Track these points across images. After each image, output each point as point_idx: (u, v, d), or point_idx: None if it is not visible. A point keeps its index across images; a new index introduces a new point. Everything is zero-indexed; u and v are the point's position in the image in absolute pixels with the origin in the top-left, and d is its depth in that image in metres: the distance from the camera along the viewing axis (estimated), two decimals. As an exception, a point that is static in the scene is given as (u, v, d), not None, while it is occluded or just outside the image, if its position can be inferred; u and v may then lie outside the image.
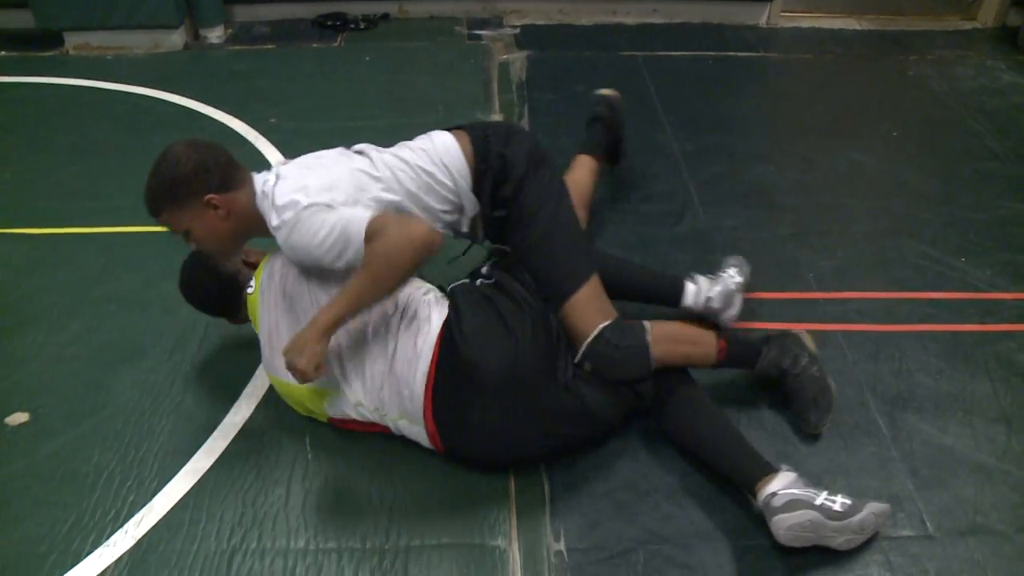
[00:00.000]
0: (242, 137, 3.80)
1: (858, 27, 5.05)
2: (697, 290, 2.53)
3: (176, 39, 4.77)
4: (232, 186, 2.16)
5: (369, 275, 1.97)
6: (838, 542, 1.96)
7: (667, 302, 2.56)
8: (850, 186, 3.44)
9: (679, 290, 2.54)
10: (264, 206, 2.12)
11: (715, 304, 2.52)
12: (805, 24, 5.06)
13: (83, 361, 2.66)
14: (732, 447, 2.11)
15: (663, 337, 2.19)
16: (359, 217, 2.00)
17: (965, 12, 5.13)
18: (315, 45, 4.78)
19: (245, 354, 2.60)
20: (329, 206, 2.02)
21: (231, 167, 2.20)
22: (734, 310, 2.55)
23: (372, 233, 1.97)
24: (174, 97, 4.22)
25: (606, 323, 2.13)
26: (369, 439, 2.32)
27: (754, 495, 2.02)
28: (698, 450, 2.18)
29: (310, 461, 2.28)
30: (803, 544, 1.93)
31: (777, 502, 1.94)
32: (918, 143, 3.79)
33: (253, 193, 2.16)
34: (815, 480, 2.11)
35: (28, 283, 3.00)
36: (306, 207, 2.02)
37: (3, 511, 2.18)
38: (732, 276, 2.60)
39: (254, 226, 2.18)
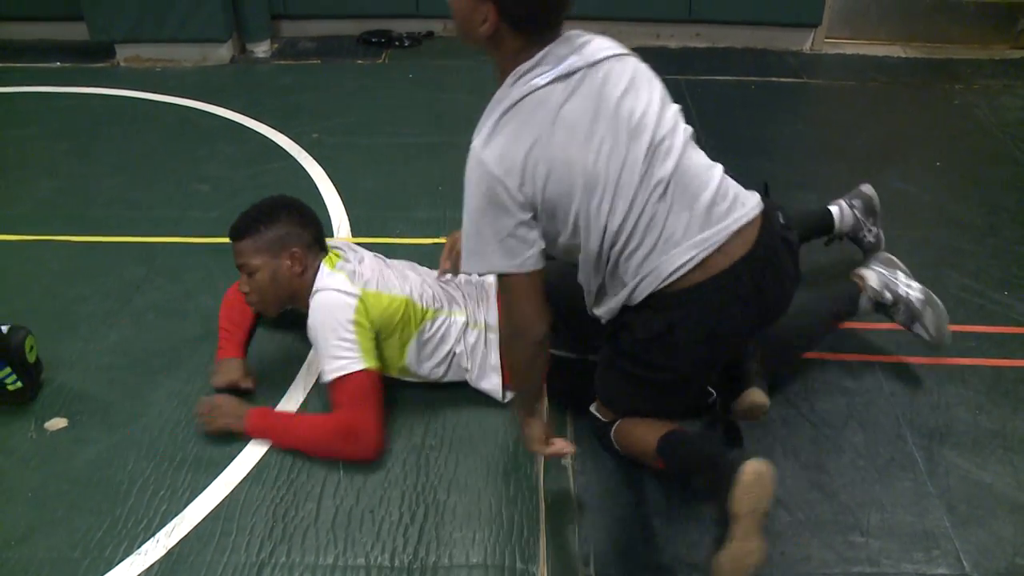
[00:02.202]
0: (285, 151, 3.85)
1: (903, 55, 5.01)
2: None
3: (223, 53, 4.84)
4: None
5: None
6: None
7: None
8: (892, 215, 3.39)
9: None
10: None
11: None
12: (849, 51, 5.03)
13: (121, 369, 2.69)
14: None
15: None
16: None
17: (1013, 41, 5.08)
18: (359, 61, 4.83)
19: (280, 368, 2.62)
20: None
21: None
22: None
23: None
24: (220, 110, 4.28)
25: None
26: (402, 456, 2.32)
27: None
28: None
29: (341, 477, 2.28)
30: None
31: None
32: (962, 173, 3.75)
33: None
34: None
35: (71, 290, 3.04)
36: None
37: (40, 515, 2.21)
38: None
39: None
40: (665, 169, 1.79)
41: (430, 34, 5.13)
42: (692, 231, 1.81)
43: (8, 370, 2.53)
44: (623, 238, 1.81)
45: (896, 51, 5.06)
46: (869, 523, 2.03)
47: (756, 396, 2.18)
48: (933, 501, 2.21)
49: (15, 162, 3.92)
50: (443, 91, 4.40)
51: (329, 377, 2.26)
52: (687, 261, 1.80)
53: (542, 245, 1.82)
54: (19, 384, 2.56)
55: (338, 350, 2.23)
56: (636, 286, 1.85)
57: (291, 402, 2.53)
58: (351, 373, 2.23)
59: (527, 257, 1.80)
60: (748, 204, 1.88)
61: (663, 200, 1.79)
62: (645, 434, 2.07)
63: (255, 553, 2.09)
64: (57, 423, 2.51)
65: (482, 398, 2.48)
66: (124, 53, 4.88)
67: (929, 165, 3.80)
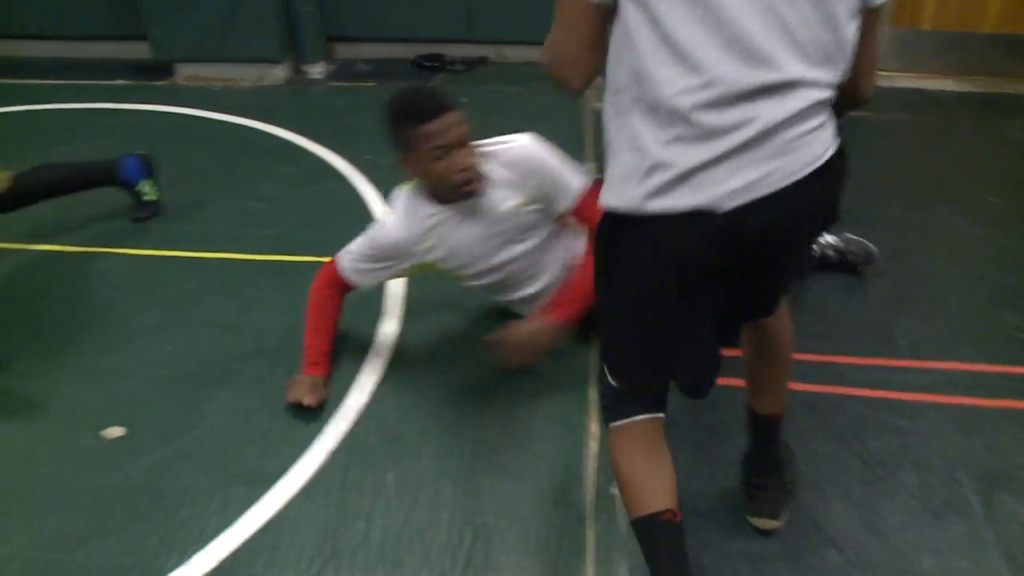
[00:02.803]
0: (339, 171, 3.90)
1: (957, 88, 4.98)
2: None
3: (279, 73, 4.93)
4: None
5: None
6: None
7: None
8: (946, 252, 3.37)
9: None
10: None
11: None
12: (901, 84, 5.01)
13: (177, 381, 2.73)
14: None
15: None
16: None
17: (1071, 78, 5.03)
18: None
19: (332, 384, 2.65)
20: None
21: None
22: None
23: None
24: (276, 130, 4.35)
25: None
26: (451, 480, 2.33)
27: None
28: None
29: (392, 497, 2.30)
30: None
31: None
32: (1017, 209, 3.71)
33: None
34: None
35: (129, 302, 3.10)
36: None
37: (95, 522, 2.25)
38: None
39: None
40: None
41: (483, 60, 5.18)
42: None
43: (151, 181, 3.48)
44: None
45: (949, 85, 5.03)
46: (922, 567, 2.01)
47: (761, 523, 2.16)
48: (990, 548, 2.17)
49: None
50: (495, 116, 4.43)
51: (578, 191, 2.47)
52: None
53: None
54: (154, 196, 3.41)
55: (572, 171, 2.45)
56: None
57: (363, 392, 2.56)
58: (594, 182, 2.39)
59: None
60: None
61: None
62: (631, 477, 1.83)
63: (304, 570, 2.11)
64: (114, 432, 2.55)
65: (535, 425, 2.49)
66: (184, 72, 4.98)
67: (983, 201, 3.76)
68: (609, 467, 2.03)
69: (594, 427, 2.46)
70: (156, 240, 3.45)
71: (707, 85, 1.41)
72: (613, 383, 1.86)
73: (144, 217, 3.53)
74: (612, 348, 1.82)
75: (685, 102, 1.42)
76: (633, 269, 1.61)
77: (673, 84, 1.42)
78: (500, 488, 2.30)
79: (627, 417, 1.84)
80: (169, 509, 2.28)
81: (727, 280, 1.63)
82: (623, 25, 1.46)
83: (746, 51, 1.40)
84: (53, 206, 3.55)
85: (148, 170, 3.51)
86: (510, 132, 2.58)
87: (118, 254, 3.39)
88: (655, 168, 1.47)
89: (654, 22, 1.41)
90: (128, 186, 3.47)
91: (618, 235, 1.60)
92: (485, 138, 2.51)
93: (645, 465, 1.83)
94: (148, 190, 3.53)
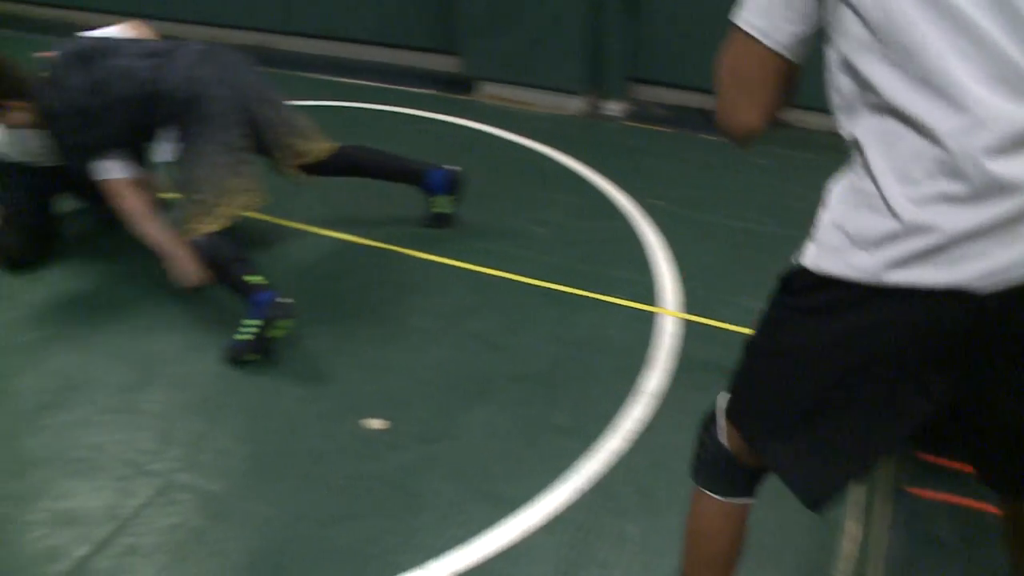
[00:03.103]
0: (622, 211, 3.88)
1: None
2: None
3: (577, 105, 5.00)
4: None
5: None
6: None
7: None
8: None
9: None
10: None
11: None
12: None
13: (440, 387, 2.79)
14: None
15: None
16: None
17: None
18: (709, 137, 4.80)
19: (590, 422, 2.60)
20: None
21: None
22: None
23: None
24: (566, 159, 4.40)
25: None
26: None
27: None
28: None
29: (632, 550, 2.22)
30: None
31: None
32: None
33: None
34: None
35: (408, 302, 3.21)
36: None
37: (346, 505, 2.34)
38: None
39: None
40: None
41: (783, 123, 5.02)
42: None
43: (451, 197, 3.64)
44: None
45: None
46: None
47: None
48: None
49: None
50: (790, 183, 4.27)
51: None
52: None
53: (806, 30, 1.31)
54: (447, 210, 3.62)
55: None
56: None
57: (619, 437, 2.51)
58: None
59: (781, 25, 1.30)
60: None
61: None
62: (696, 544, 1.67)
63: (534, 604, 2.07)
64: (376, 423, 2.63)
65: (788, 509, 2.33)
66: (486, 90, 5.16)
67: None
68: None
69: (851, 525, 2.27)
70: (441, 247, 3.56)
71: (979, 125, 1.11)
72: (725, 445, 1.58)
73: (436, 226, 3.65)
74: (758, 414, 1.49)
75: (958, 146, 1.12)
76: (840, 341, 1.31)
77: (940, 125, 1.13)
78: (748, 565, 2.16)
79: (723, 495, 1.62)
80: (415, 509, 2.32)
81: (960, 385, 1.32)
82: (853, 65, 1.22)
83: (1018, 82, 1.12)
84: (355, 199, 3.77)
85: (452, 187, 3.63)
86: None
87: (405, 254, 3.52)
88: (907, 232, 1.17)
89: (904, 53, 1.16)
90: (428, 194, 3.61)
91: (832, 307, 1.30)
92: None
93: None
94: (444, 204, 3.65)
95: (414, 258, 3.50)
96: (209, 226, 2.93)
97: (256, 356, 2.88)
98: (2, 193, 3.49)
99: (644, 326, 3.07)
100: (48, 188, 3.56)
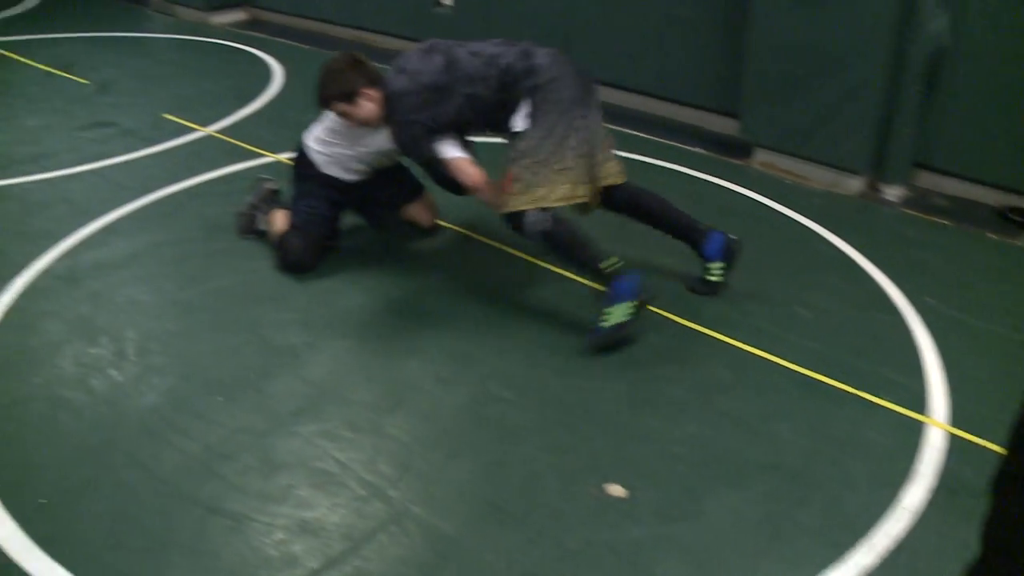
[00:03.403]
0: (894, 305, 3.68)
1: None
2: None
3: (854, 185, 4.81)
4: None
5: None
6: None
7: None
8: None
9: None
10: None
11: None
12: None
13: (687, 464, 2.74)
14: None
15: None
16: None
17: None
18: (994, 236, 4.49)
19: (845, 526, 2.47)
20: None
21: None
22: None
23: None
24: (837, 240, 4.24)
25: None
26: None
27: None
28: None
29: None
30: None
31: None
32: None
33: None
34: None
35: (663, 368, 3.20)
36: None
37: (572, 571, 2.34)
38: None
39: None
40: None
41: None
42: None
43: (723, 264, 3.60)
44: None
45: None
46: None
47: None
48: None
49: (645, 232, 4.22)
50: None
51: None
52: None
53: None
54: (718, 278, 3.61)
55: None
56: None
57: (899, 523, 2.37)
58: None
59: None
60: None
61: None
62: None
63: None
64: (617, 490, 2.61)
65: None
66: (761, 157, 5.07)
67: None
68: None
69: None
70: (703, 316, 3.51)
71: None
72: None
73: (701, 292, 3.61)
74: None
75: None
76: None
77: None
78: None
79: None
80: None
81: None
82: None
83: None
84: (619, 247, 3.78)
85: (729, 256, 3.59)
86: None
87: (664, 317, 3.50)
88: None
89: None
90: (704, 258, 3.60)
91: None
92: None
93: None
94: (717, 272, 3.62)
95: (673, 322, 3.48)
96: (539, 201, 3.21)
97: (620, 337, 3.22)
98: (299, 201, 3.77)
99: (908, 434, 2.90)
100: (342, 203, 3.83)
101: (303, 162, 3.81)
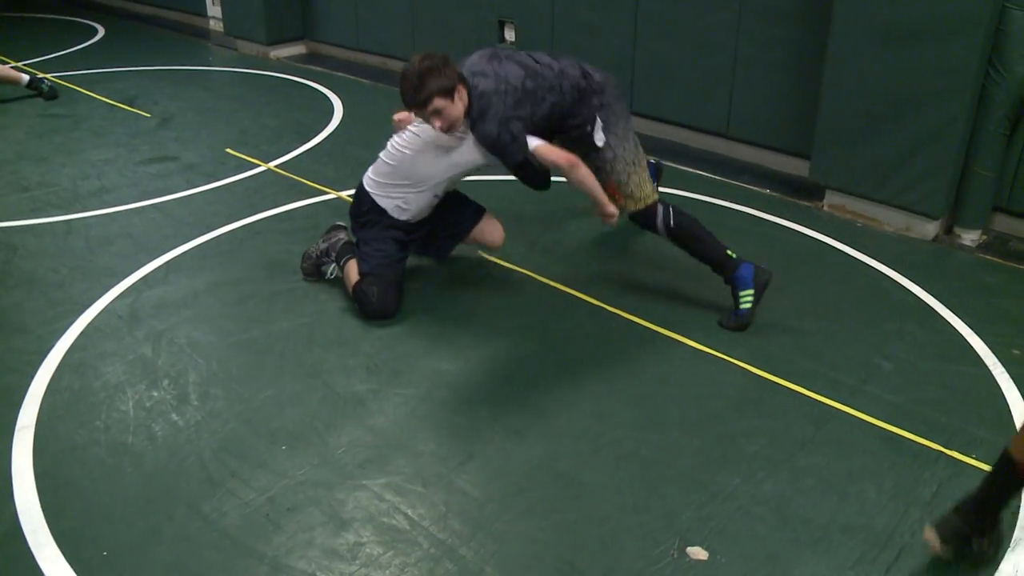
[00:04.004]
0: (977, 356, 3.53)
1: None
2: None
3: (929, 229, 4.66)
4: None
5: None
6: None
7: None
8: None
9: None
10: None
11: None
12: None
13: (769, 525, 2.61)
14: None
15: None
16: None
17: None
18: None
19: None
20: None
21: None
22: None
23: None
24: (914, 287, 4.09)
25: None
26: None
27: None
28: None
29: None
30: None
31: None
32: None
33: None
34: None
35: (741, 421, 3.08)
36: None
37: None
38: None
39: None
40: None
41: None
42: None
43: (751, 292, 3.62)
44: None
45: None
46: None
47: None
48: None
49: (715, 276, 4.11)
50: None
51: None
52: None
53: None
54: (751, 307, 3.62)
55: None
56: None
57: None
58: None
59: None
60: None
61: None
62: None
63: None
64: (698, 552, 2.50)
65: None
66: (832, 200, 4.94)
67: None
68: None
69: None
70: (779, 366, 3.39)
71: None
72: None
73: (727, 325, 3.68)
74: None
75: None
76: None
77: None
78: None
79: None
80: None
81: None
82: None
83: None
84: (668, 292, 3.69)
85: (754, 284, 3.63)
86: None
87: (739, 367, 3.38)
88: None
89: None
90: (736, 285, 3.66)
91: None
92: None
93: None
94: (748, 300, 3.64)
95: (749, 373, 3.35)
96: (649, 198, 3.69)
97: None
98: (366, 246, 3.71)
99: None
100: (409, 242, 3.77)
101: (365, 206, 3.77)
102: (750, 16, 5.36)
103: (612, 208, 3.63)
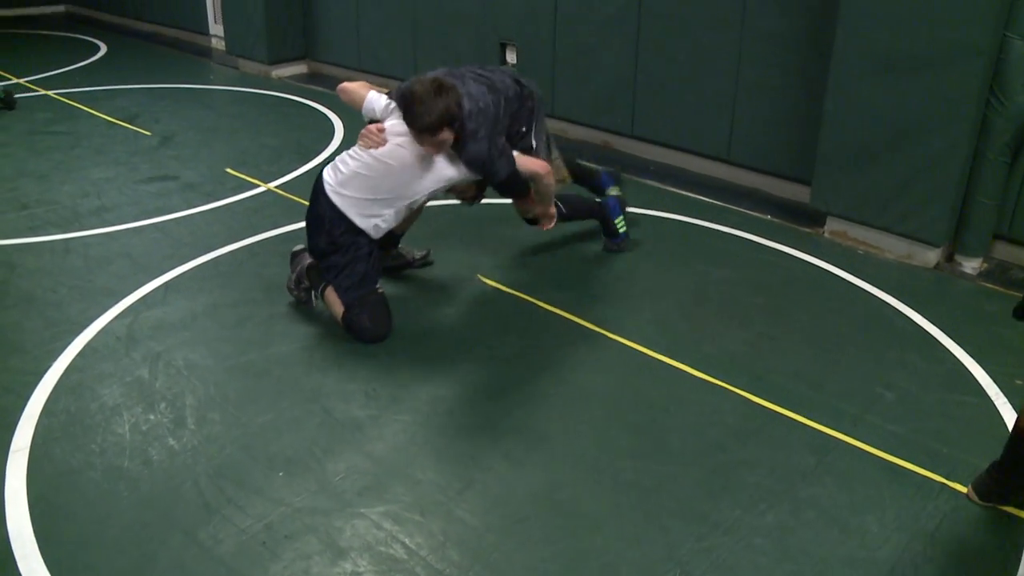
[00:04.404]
0: (979, 386, 3.51)
1: None
2: None
3: (930, 256, 4.65)
4: None
5: None
6: None
7: None
8: None
9: None
10: None
11: None
12: None
13: (770, 557, 2.59)
14: None
15: None
16: None
17: None
18: (1081, 314, 4.29)
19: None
20: None
21: None
22: None
23: None
24: (915, 315, 4.08)
25: None
26: None
27: None
28: None
29: None
30: None
31: None
32: None
33: None
34: None
35: (740, 451, 3.06)
36: None
37: None
38: None
39: None
40: None
41: None
42: None
43: (622, 219, 4.59)
44: None
45: None
46: None
47: None
48: None
49: (716, 303, 4.11)
50: None
51: None
52: None
53: None
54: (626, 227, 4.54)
55: None
56: None
57: None
58: None
59: None
60: None
61: None
62: None
63: None
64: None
65: None
66: (832, 226, 4.93)
67: None
68: None
69: None
70: (778, 395, 3.37)
71: None
72: None
73: (616, 249, 4.57)
74: None
75: None
76: None
77: None
78: None
79: None
80: None
81: None
82: None
83: None
84: (668, 320, 3.66)
85: (622, 210, 4.58)
86: None
87: (738, 395, 3.37)
88: None
89: None
90: (606, 219, 4.55)
91: None
92: None
93: None
94: (620, 224, 4.54)
95: (750, 402, 3.33)
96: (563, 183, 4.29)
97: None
98: (339, 276, 3.61)
99: (1005, 531, 2.72)
100: (373, 246, 3.73)
101: (339, 229, 3.60)
102: (752, 41, 5.38)
103: (555, 210, 4.14)
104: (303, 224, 4.40)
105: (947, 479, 2.94)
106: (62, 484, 2.82)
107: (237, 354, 3.58)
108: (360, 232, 3.63)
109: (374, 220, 3.64)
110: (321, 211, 3.63)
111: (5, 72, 8.33)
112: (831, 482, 2.92)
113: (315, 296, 3.83)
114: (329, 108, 7.37)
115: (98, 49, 9.73)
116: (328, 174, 3.68)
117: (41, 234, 4.72)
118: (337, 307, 3.66)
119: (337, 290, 3.64)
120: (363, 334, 3.61)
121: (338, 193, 3.61)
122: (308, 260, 3.82)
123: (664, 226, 5.04)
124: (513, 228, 4.66)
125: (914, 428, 3.22)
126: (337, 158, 3.73)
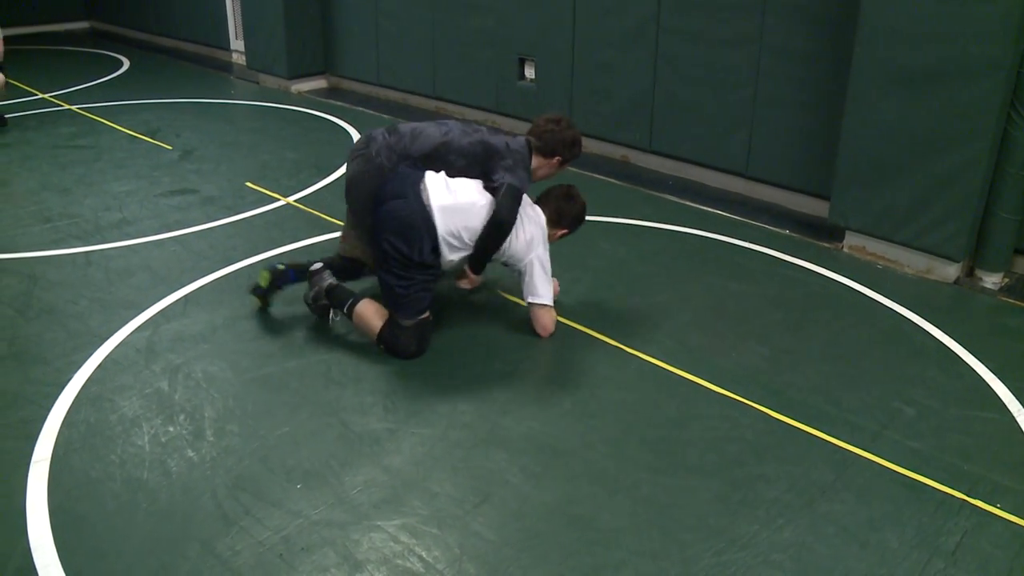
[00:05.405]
0: (1001, 402, 3.48)
1: None
2: None
3: (950, 271, 4.62)
4: None
5: None
6: None
7: None
8: None
9: None
10: None
11: None
12: None
13: (788, 573, 2.58)
14: None
15: None
16: None
17: None
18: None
19: None
20: None
21: None
22: None
23: None
24: (935, 330, 4.05)
25: None
26: None
27: None
28: None
29: None
30: None
31: None
32: None
33: None
34: None
35: (758, 466, 3.04)
36: None
37: None
38: None
39: None
40: None
41: None
42: None
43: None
44: None
45: None
46: None
47: None
48: None
49: (735, 317, 4.10)
50: None
51: None
52: None
53: None
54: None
55: None
56: None
57: None
58: None
59: None
60: None
61: None
62: None
63: None
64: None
65: None
66: (851, 241, 4.91)
67: None
68: None
69: None
70: (795, 408, 3.36)
71: None
72: None
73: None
74: None
75: None
76: None
77: None
78: None
79: None
80: None
81: None
82: None
83: None
84: (687, 334, 3.64)
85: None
86: None
87: (755, 410, 3.36)
88: None
89: None
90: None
91: None
92: None
93: None
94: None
95: (767, 416, 3.32)
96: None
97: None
98: (410, 298, 3.61)
99: (1026, 550, 2.69)
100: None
101: (428, 246, 3.57)
102: (770, 56, 5.38)
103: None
104: (323, 238, 4.42)
105: (968, 496, 2.91)
106: (82, 495, 2.84)
107: (256, 367, 3.60)
108: (439, 259, 3.64)
109: (461, 253, 3.70)
110: (414, 220, 3.54)
111: (30, 87, 8.43)
112: (850, 498, 2.90)
113: (332, 316, 3.84)
114: (348, 123, 7.42)
115: (121, 64, 9.84)
116: (434, 189, 3.62)
117: (63, 247, 4.76)
118: (375, 322, 3.67)
119: (398, 307, 3.62)
120: (407, 352, 3.65)
121: (452, 234, 3.61)
122: (328, 281, 3.84)
123: (682, 241, 5.04)
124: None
125: (934, 444, 3.19)
126: (439, 175, 3.69)
